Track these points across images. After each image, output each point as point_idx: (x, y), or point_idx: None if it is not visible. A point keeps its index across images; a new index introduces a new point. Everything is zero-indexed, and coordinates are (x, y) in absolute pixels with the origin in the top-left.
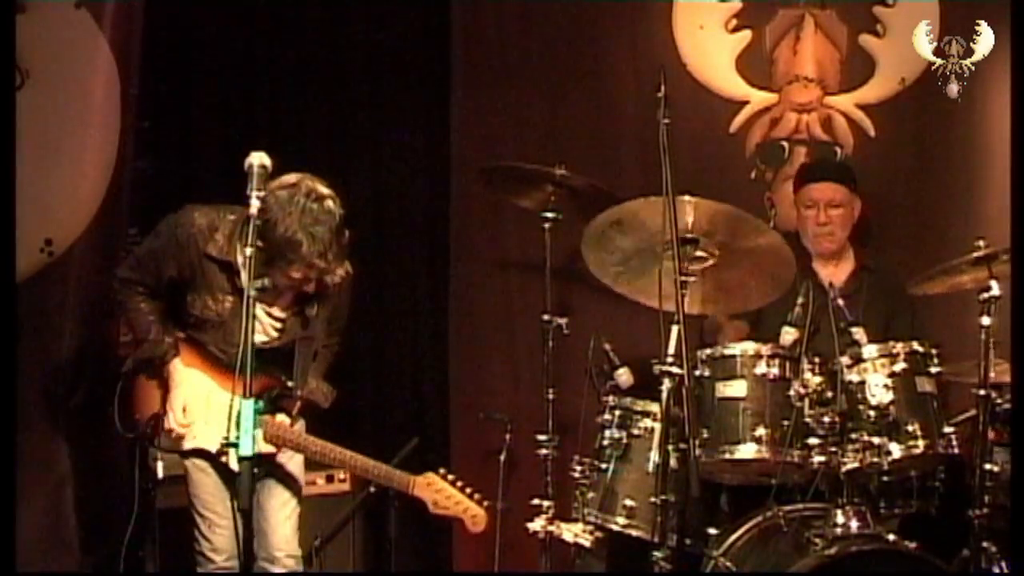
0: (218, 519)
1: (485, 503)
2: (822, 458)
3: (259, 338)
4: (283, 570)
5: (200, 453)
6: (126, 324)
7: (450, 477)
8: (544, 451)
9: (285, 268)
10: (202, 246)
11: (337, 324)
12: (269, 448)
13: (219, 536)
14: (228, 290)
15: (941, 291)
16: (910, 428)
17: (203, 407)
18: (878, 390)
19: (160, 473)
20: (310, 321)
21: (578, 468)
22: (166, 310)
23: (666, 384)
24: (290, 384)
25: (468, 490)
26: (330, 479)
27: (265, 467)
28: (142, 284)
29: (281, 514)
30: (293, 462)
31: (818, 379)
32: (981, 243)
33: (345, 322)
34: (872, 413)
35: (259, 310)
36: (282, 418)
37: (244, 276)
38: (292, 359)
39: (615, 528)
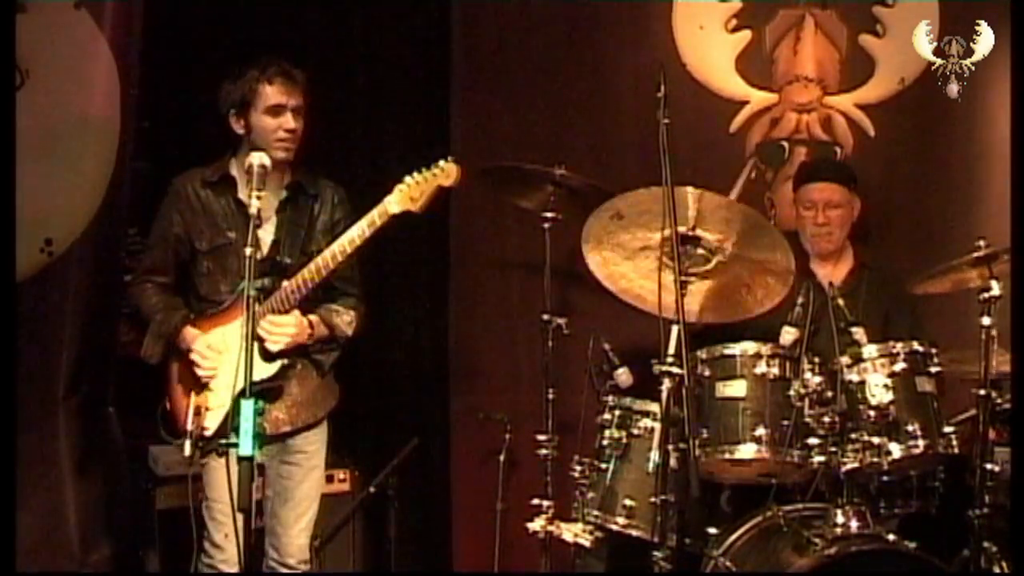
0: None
1: (450, 158)
2: (822, 458)
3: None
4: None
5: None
6: (138, 318)
7: (414, 174)
8: (544, 451)
9: (260, 109)
10: (196, 179)
11: (342, 242)
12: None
13: (233, 547)
14: (232, 208)
15: (942, 291)
16: (910, 428)
17: (229, 354)
18: (878, 390)
19: (187, 450)
20: (299, 211)
21: (578, 468)
22: (176, 300)
23: (666, 384)
24: (278, 258)
25: (431, 164)
26: (330, 479)
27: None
28: (153, 270)
29: (297, 526)
30: (313, 474)
31: (818, 379)
32: (981, 243)
33: (355, 261)
34: (872, 413)
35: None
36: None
37: (243, 188)
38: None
39: (615, 528)
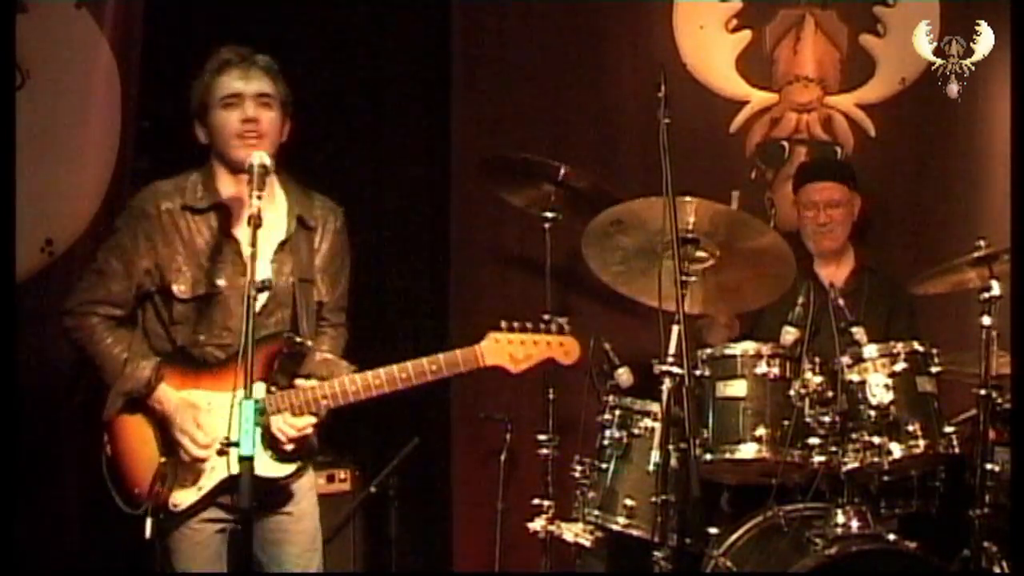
0: None
1: (566, 328)
2: (822, 458)
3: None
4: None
5: (215, 504)
6: (92, 367)
7: (515, 324)
8: (544, 451)
9: (216, 105)
10: (174, 200)
11: (335, 283)
12: (283, 469)
13: None
14: (223, 246)
15: (942, 291)
16: (910, 428)
17: (215, 430)
18: (878, 390)
19: (148, 531)
20: (300, 252)
21: (578, 468)
22: (136, 337)
23: (666, 384)
24: (298, 339)
25: (541, 325)
26: (330, 479)
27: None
28: (106, 302)
29: None
30: (307, 523)
31: (818, 379)
32: (981, 243)
33: (346, 290)
34: (872, 413)
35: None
36: (301, 382)
37: (238, 222)
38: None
39: (615, 528)
